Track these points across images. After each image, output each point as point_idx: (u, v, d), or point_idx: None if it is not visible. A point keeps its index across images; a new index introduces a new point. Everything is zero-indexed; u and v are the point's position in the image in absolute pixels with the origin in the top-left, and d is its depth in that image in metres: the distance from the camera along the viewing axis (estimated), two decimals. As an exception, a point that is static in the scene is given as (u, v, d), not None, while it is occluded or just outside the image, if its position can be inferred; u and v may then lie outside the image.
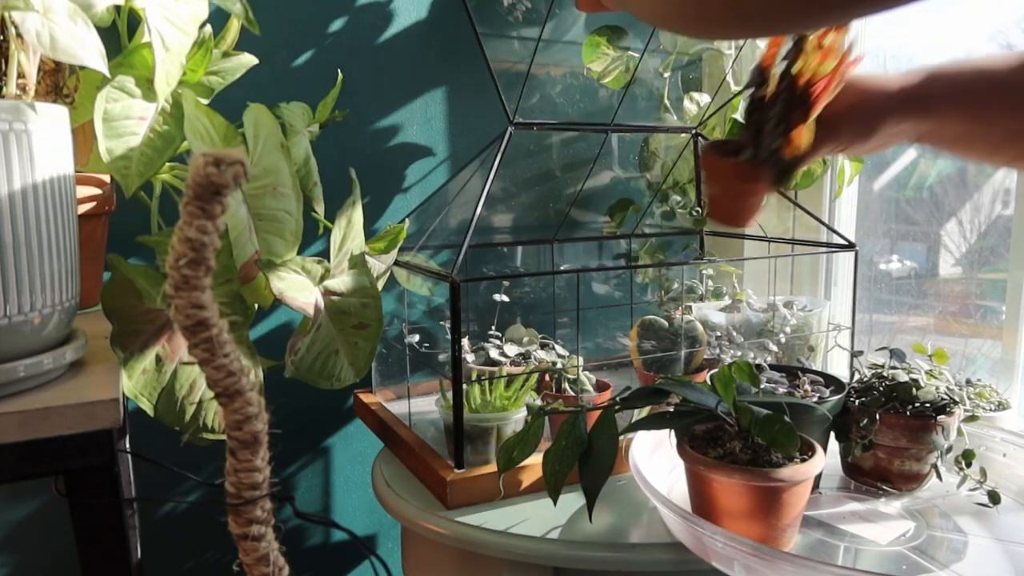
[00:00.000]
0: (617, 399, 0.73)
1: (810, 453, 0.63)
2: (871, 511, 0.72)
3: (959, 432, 0.78)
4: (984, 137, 0.70)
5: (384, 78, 1.12)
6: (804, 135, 0.60)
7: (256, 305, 0.69)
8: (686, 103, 1.19)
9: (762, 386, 0.76)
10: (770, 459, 0.63)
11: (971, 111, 0.70)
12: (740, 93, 1.15)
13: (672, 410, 0.71)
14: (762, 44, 0.93)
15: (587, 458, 0.70)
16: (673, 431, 0.70)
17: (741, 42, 1.16)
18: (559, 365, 0.96)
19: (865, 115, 0.71)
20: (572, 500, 0.77)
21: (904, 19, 1.16)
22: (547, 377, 0.96)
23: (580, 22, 1.25)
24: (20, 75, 0.59)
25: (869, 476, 0.77)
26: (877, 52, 1.20)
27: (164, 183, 0.73)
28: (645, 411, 0.80)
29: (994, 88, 0.68)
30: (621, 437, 0.70)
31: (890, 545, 0.66)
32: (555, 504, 0.71)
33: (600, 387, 0.96)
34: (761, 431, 0.64)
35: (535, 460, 0.73)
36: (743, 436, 0.65)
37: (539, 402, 0.97)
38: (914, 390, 0.76)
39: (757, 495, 0.61)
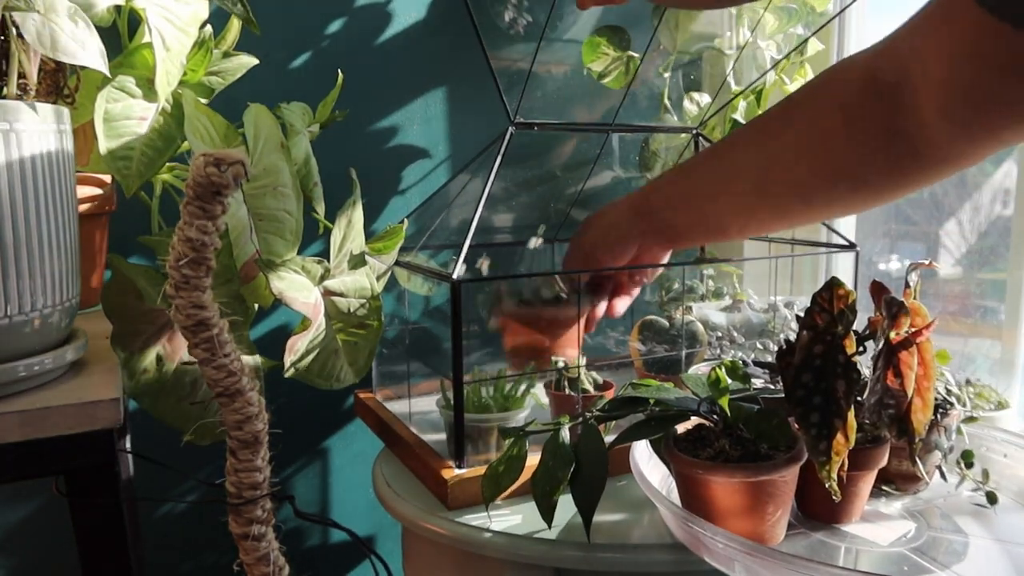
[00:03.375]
0: (593, 412, 0.73)
1: (793, 441, 0.64)
2: (872, 511, 0.72)
3: (959, 432, 0.78)
4: (710, 222, 0.79)
5: (384, 78, 1.12)
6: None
7: (256, 305, 0.69)
8: (686, 103, 1.19)
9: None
10: (758, 452, 0.63)
11: (684, 202, 0.79)
12: (738, 96, 1.15)
13: (651, 415, 0.70)
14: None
15: (577, 475, 0.69)
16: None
17: (741, 42, 1.16)
18: (560, 364, 0.96)
19: (606, 233, 0.84)
20: (573, 500, 0.77)
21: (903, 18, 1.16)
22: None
23: (580, 23, 1.25)
24: (21, 75, 0.59)
25: (869, 476, 0.77)
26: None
27: (164, 183, 0.73)
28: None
29: (691, 184, 0.78)
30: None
31: (891, 546, 0.66)
32: (549, 527, 0.71)
33: (604, 387, 0.96)
34: (756, 427, 0.64)
35: (532, 461, 0.73)
36: (729, 433, 0.65)
37: (544, 399, 0.97)
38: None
39: (755, 490, 0.61)
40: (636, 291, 0.95)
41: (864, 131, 0.61)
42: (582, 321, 0.91)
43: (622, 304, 0.95)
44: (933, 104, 0.55)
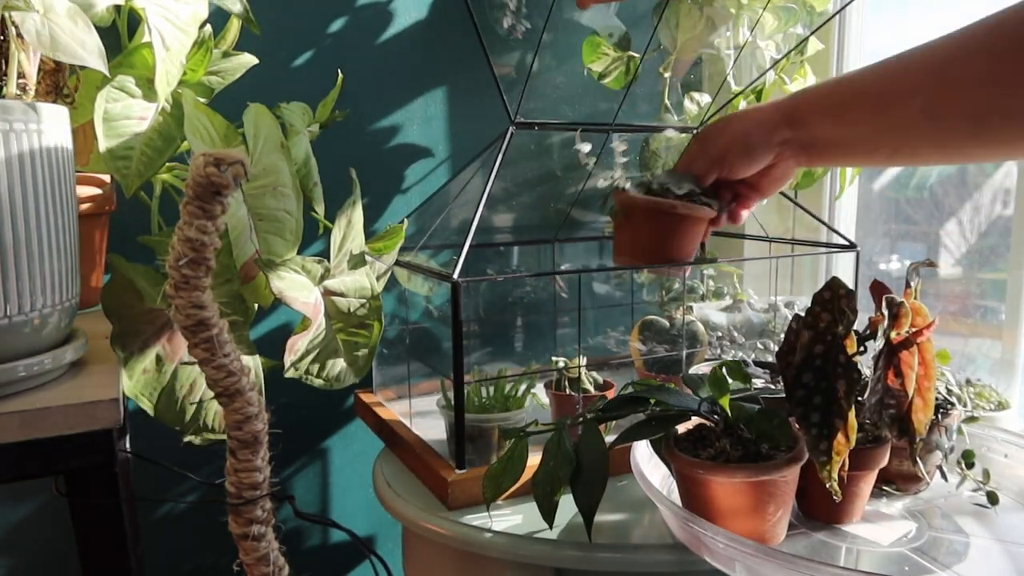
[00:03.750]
0: (591, 411, 0.73)
1: (793, 441, 0.63)
2: (872, 512, 0.72)
3: (959, 432, 0.77)
4: (854, 141, 0.73)
5: (384, 78, 1.12)
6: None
7: (256, 305, 0.69)
8: (686, 103, 1.19)
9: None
10: (759, 452, 0.63)
11: (836, 115, 0.74)
12: (738, 96, 1.15)
13: (652, 415, 0.70)
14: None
15: (578, 476, 0.69)
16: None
17: (741, 42, 1.16)
18: (561, 364, 0.96)
19: (748, 135, 0.77)
20: (573, 500, 0.77)
21: (903, 18, 1.16)
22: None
23: (580, 25, 1.25)
24: (20, 75, 0.59)
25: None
26: (875, 53, 1.20)
27: (164, 183, 0.73)
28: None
29: (852, 93, 0.72)
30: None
31: (892, 546, 0.66)
32: (551, 528, 0.71)
33: (605, 387, 0.96)
34: (757, 427, 0.64)
35: (533, 462, 0.73)
36: (730, 433, 0.65)
37: (544, 399, 0.97)
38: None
39: (756, 490, 0.61)
40: (757, 202, 0.88)
41: None
42: (581, 321, 0.91)
43: (744, 213, 0.88)
44: None
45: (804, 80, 1.15)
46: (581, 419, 0.72)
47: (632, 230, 0.82)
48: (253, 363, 0.69)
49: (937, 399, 0.73)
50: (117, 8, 0.69)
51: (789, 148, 0.77)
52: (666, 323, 1.07)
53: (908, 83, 0.66)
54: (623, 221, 0.82)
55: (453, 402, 0.80)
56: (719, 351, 1.04)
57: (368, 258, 0.78)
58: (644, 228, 0.81)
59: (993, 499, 0.73)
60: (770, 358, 1.01)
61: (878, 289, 0.64)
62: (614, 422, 0.84)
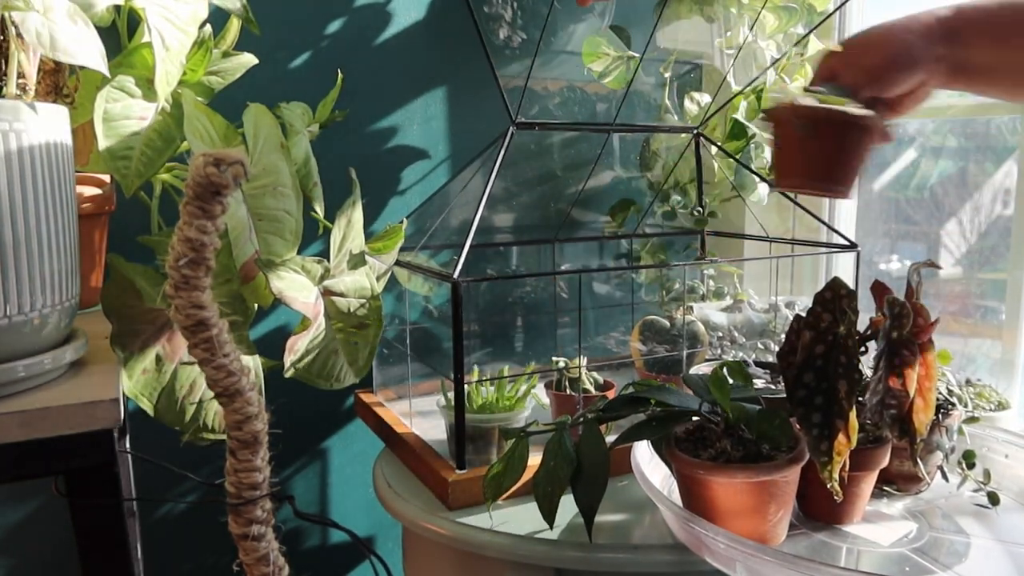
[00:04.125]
0: (592, 411, 0.73)
1: (794, 442, 0.63)
2: (873, 512, 0.72)
3: (960, 432, 0.77)
4: (1009, 69, 0.69)
5: (384, 78, 1.12)
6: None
7: (256, 305, 0.69)
8: (686, 103, 1.19)
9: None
10: (760, 452, 0.63)
11: (998, 38, 0.69)
12: (738, 95, 1.15)
13: (652, 415, 0.70)
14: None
15: (578, 476, 0.69)
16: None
17: (741, 41, 1.16)
18: (561, 364, 0.96)
19: (908, 50, 0.70)
20: (573, 499, 0.77)
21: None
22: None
23: (580, 27, 1.25)
24: (20, 75, 0.59)
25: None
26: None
27: (164, 183, 0.73)
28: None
29: (1020, 16, 0.67)
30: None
31: (892, 546, 0.66)
32: (551, 527, 0.71)
33: (605, 387, 0.96)
34: (758, 427, 0.64)
35: (533, 462, 0.73)
36: (730, 433, 0.65)
37: (544, 399, 0.97)
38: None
39: (757, 491, 0.61)
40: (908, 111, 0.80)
41: None
42: (582, 321, 0.91)
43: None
44: None
45: (804, 79, 1.15)
46: (582, 419, 0.72)
47: (816, 147, 0.71)
48: (253, 363, 0.69)
49: (938, 400, 0.73)
50: (117, 8, 0.69)
51: (940, 66, 0.71)
52: (666, 323, 1.07)
53: None
54: (801, 137, 0.70)
55: (453, 402, 0.79)
56: (719, 351, 1.04)
57: (368, 258, 0.77)
58: (830, 144, 0.70)
59: (994, 499, 0.73)
60: (770, 358, 1.01)
61: (879, 289, 0.63)
62: (615, 422, 0.84)
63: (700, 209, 1.19)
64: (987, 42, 0.69)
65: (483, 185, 0.84)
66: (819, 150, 0.71)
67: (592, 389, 0.95)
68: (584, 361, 0.95)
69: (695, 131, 1.15)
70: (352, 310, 0.74)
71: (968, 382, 0.90)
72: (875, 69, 0.71)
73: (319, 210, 0.77)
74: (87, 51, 0.55)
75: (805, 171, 0.73)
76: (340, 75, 0.86)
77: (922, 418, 0.59)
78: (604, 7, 1.20)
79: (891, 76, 0.71)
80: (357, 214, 0.75)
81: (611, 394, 0.94)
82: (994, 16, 0.69)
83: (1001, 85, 0.73)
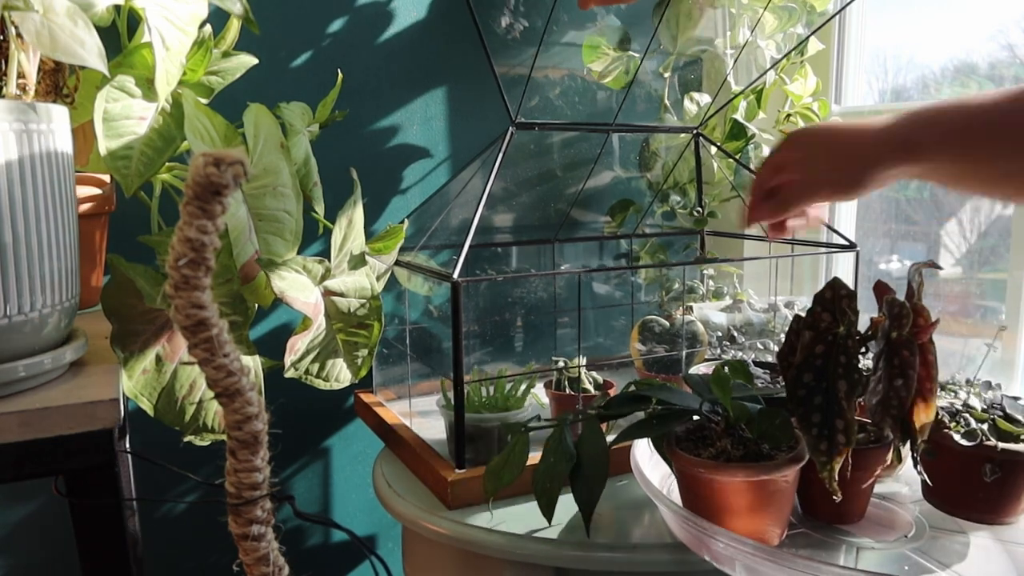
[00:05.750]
0: (594, 408, 0.73)
1: (795, 441, 0.63)
2: (873, 511, 0.72)
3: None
4: (977, 177, 0.68)
5: (384, 78, 1.12)
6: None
7: (256, 305, 0.69)
8: (686, 103, 1.19)
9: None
10: (760, 451, 0.63)
11: (960, 154, 0.67)
12: (738, 96, 1.15)
13: (653, 414, 0.70)
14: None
15: (578, 472, 0.69)
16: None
17: (741, 42, 1.16)
18: (561, 364, 0.96)
19: (855, 166, 0.69)
20: (573, 499, 0.77)
21: (903, 19, 1.16)
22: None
23: (580, 25, 1.25)
24: (20, 75, 0.59)
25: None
26: (877, 52, 1.20)
27: (164, 183, 0.73)
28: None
29: (983, 130, 0.66)
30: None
31: (892, 545, 0.66)
32: (549, 523, 0.71)
33: (605, 387, 0.96)
34: (758, 426, 0.65)
35: (533, 460, 0.73)
36: (730, 433, 0.65)
37: (544, 399, 0.97)
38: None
39: (757, 490, 0.61)
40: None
41: None
42: (581, 321, 0.91)
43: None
44: None
45: (804, 80, 1.15)
46: (582, 416, 0.72)
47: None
48: (253, 363, 0.69)
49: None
50: (117, 8, 0.69)
51: (899, 177, 0.70)
52: (666, 323, 1.07)
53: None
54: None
55: (453, 402, 0.80)
56: (719, 351, 1.04)
57: (368, 258, 0.77)
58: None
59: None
60: (770, 358, 1.01)
61: (881, 290, 0.63)
62: (614, 423, 0.84)
63: (700, 209, 1.20)
64: (954, 162, 0.67)
65: (483, 185, 0.84)
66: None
67: (592, 389, 0.95)
68: (584, 361, 0.95)
69: (695, 131, 1.15)
70: (352, 310, 0.74)
71: (968, 382, 0.90)
72: (817, 185, 0.70)
73: (319, 210, 0.77)
74: (87, 51, 0.55)
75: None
76: (340, 75, 0.86)
77: (922, 418, 0.59)
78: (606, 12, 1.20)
79: (832, 196, 0.70)
80: (358, 214, 0.75)
81: (611, 394, 0.94)
82: (955, 136, 0.67)
83: (971, 190, 0.73)
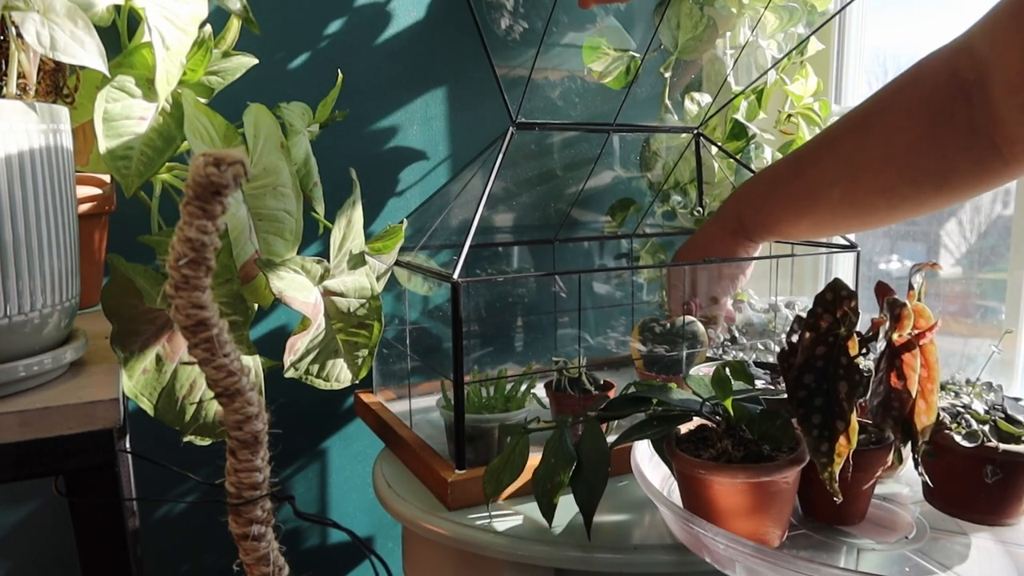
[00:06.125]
0: (595, 410, 0.73)
1: (796, 443, 0.63)
2: (874, 512, 0.72)
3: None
4: (825, 223, 0.81)
5: (384, 78, 1.12)
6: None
7: (256, 305, 0.69)
8: (687, 103, 1.19)
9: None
10: (761, 453, 0.63)
11: (775, 224, 0.84)
12: (738, 96, 1.15)
13: (654, 415, 0.70)
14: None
15: (578, 473, 0.69)
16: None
17: (741, 42, 1.16)
18: (561, 364, 0.96)
19: (724, 276, 0.87)
20: (573, 501, 0.77)
21: (904, 19, 1.16)
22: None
23: (580, 25, 1.24)
24: (20, 75, 0.59)
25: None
26: (877, 52, 1.20)
27: (164, 183, 0.73)
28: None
29: (789, 182, 0.81)
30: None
31: (893, 547, 0.66)
32: (550, 525, 0.71)
33: (605, 387, 0.96)
34: (759, 428, 0.64)
35: (533, 462, 0.73)
36: (731, 434, 0.65)
37: (545, 400, 0.97)
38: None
39: (758, 491, 0.61)
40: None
41: (951, 130, 0.61)
42: (581, 321, 0.91)
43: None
44: (1012, 100, 0.54)
45: (805, 80, 1.15)
46: (583, 417, 0.72)
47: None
48: (253, 363, 0.69)
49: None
50: (117, 8, 0.69)
51: (741, 250, 0.88)
52: (666, 323, 1.07)
53: (827, 182, 0.74)
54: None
55: (453, 402, 0.79)
56: (719, 351, 1.04)
57: (368, 258, 0.77)
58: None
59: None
60: (771, 359, 1.01)
61: (882, 290, 0.63)
62: (615, 423, 0.84)
63: (700, 209, 1.19)
64: (771, 228, 0.86)
65: (483, 185, 0.84)
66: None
67: (592, 389, 0.95)
68: (584, 361, 0.95)
69: (695, 131, 1.15)
70: (352, 310, 0.74)
71: (968, 382, 0.90)
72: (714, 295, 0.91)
73: (319, 210, 0.77)
74: (87, 51, 0.55)
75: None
76: (340, 75, 0.86)
77: (924, 420, 0.59)
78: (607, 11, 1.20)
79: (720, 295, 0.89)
80: (357, 214, 0.75)
81: (611, 394, 0.94)
82: (761, 212, 0.87)
83: (809, 235, 0.89)
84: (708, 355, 1.04)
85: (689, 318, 1.06)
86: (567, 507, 0.76)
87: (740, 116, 1.15)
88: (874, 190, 0.69)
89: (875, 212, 0.72)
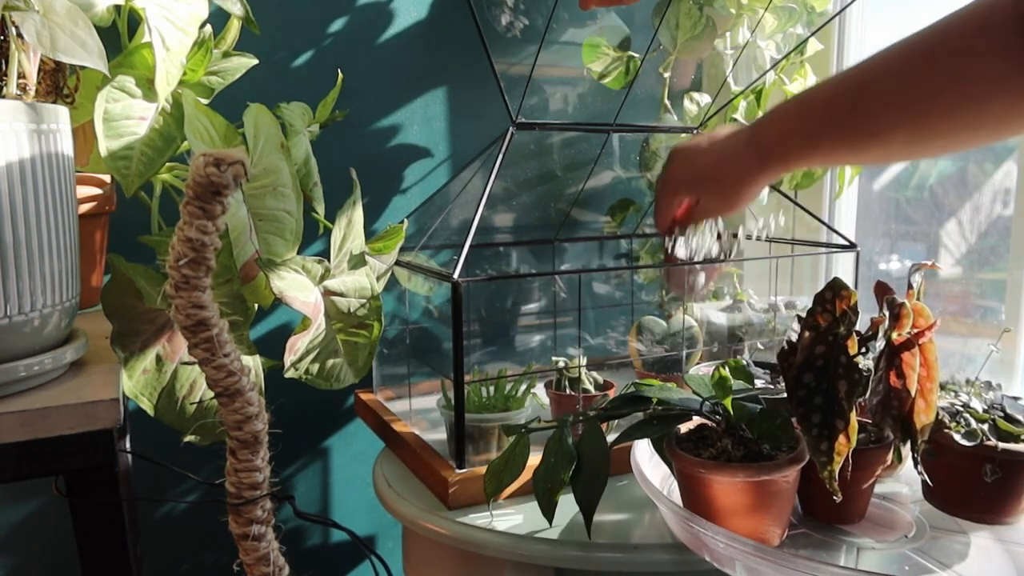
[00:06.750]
0: (595, 409, 0.73)
1: (795, 442, 0.64)
2: (874, 511, 0.72)
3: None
4: (869, 159, 0.74)
5: (384, 78, 1.12)
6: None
7: (256, 305, 0.69)
8: (686, 103, 1.19)
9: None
10: (760, 452, 0.63)
11: (813, 143, 0.71)
12: (738, 96, 1.15)
13: (654, 414, 0.70)
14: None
15: (579, 473, 0.69)
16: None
17: (741, 42, 1.16)
18: (561, 364, 0.96)
19: (731, 190, 0.75)
20: (573, 500, 0.77)
21: (903, 19, 1.16)
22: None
23: (581, 24, 1.24)
24: (20, 75, 0.59)
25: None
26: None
27: (164, 183, 0.73)
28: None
29: (821, 108, 0.69)
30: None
31: (893, 546, 0.66)
32: (550, 524, 0.71)
33: (605, 387, 0.96)
34: (759, 427, 0.64)
35: (533, 462, 0.73)
36: (731, 433, 0.65)
37: (545, 400, 0.97)
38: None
39: (757, 490, 0.61)
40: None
41: (1020, 76, 0.59)
42: (581, 321, 0.91)
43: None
44: None
45: (804, 80, 1.15)
46: (583, 417, 0.72)
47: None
48: (253, 363, 0.69)
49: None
50: (117, 8, 0.69)
51: (776, 178, 0.77)
52: (664, 323, 1.07)
53: (889, 119, 0.65)
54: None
55: (453, 402, 0.80)
56: (719, 351, 1.04)
57: (368, 258, 0.77)
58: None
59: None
60: (770, 358, 1.01)
61: (882, 290, 0.63)
62: (615, 422, 0.84)
63: (700, 209, 1.19)
64: (810, 158, 0.73)
65: (483, 185, 0.84)
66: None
67: (592, 389, 0.95)
68: (584, 361, 0.95)
69: (695, 131, 1.15)
70: (352, 310, 0.74)
71: (968, 382, 0.90)
72: (715, 194, 0.77)
73: (319, 210, 0.77)
74: (87, 51, 0.55)
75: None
76: (340, 75, 0.86)
77: (923, 419, 0.59)
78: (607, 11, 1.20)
79: (719, 212, 0.78)
80: (357, 214, 0.75)
81: (611, 394, 0.94)
82: (803, 149, 0.72)
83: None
84: (707, 355, 1.04)
85: (688, 318, 1.06)
86: (567, 506, 0.76)
87: (739, 116, 1.15)
88: (936, 134, 0.65)
89: (921, 152, 0.66)
